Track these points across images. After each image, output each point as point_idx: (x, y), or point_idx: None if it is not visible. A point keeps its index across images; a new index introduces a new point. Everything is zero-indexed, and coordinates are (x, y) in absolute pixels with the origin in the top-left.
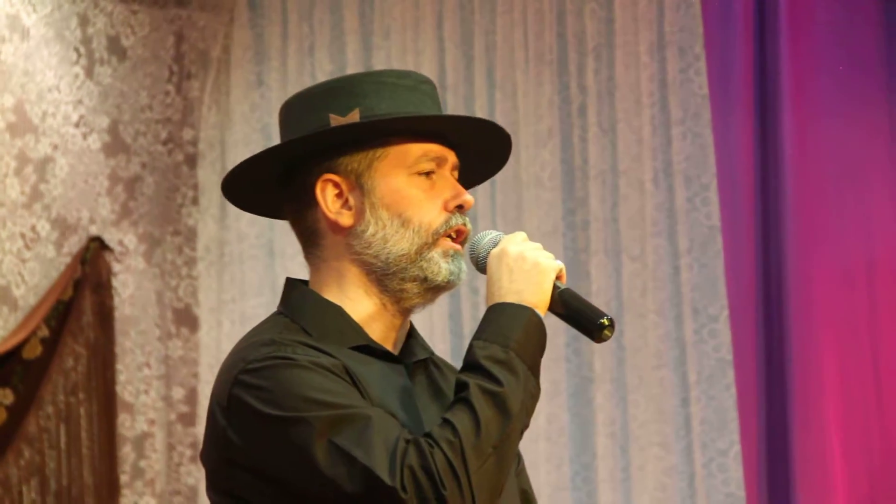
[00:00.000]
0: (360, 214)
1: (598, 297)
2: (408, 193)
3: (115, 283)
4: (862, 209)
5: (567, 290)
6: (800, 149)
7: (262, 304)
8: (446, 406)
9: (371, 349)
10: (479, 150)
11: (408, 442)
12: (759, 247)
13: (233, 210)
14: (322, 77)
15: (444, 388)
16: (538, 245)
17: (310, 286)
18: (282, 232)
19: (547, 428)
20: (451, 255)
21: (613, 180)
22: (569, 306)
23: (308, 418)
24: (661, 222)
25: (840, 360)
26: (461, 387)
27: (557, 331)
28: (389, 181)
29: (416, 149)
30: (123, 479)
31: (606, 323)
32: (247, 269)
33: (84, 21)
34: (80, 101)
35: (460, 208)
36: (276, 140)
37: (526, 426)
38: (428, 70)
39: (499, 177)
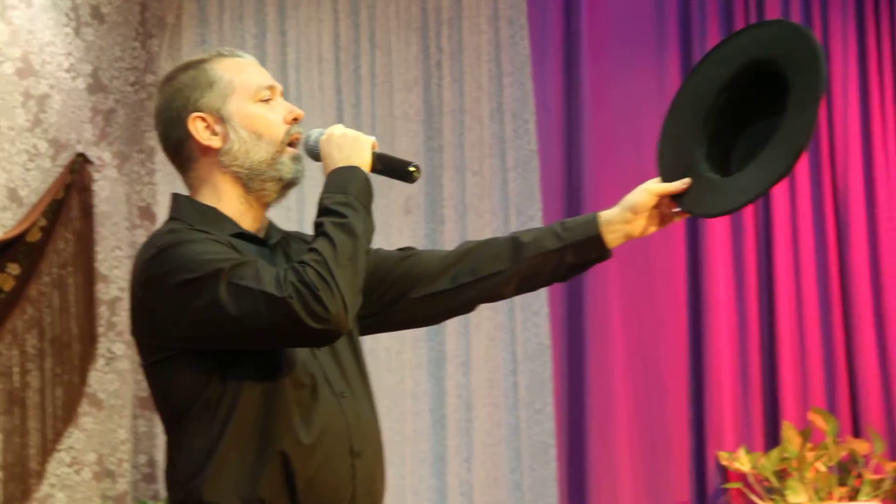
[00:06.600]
0: (225, 137)
1: (448, 200)
2: (256, 115)
3: (95, 187)
4: (636, 137)
5: (381, 153)
6: (594, 96)
7: None
8: None
9: (245, 235)
10: None
11: (286, 269)
12: (564, 166)
13: None
14: (249, 38)
15: (295, 256)
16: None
17: (190, 197)
18: None
19: None
20: (295, 158)
21: (461, 116)
22: (384, 162)
23: (209, 273)
24: (494, 146)
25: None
26: (318, 227)
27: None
28: (242, 108)
29: (256, 84)
30: (100, 330)
31: (413, 169)
32: None
33: None
34: (70, 53)
35: (295, 120)
36: None
37: (368, 249)
38: (326, 34)
39: (378, 112)
